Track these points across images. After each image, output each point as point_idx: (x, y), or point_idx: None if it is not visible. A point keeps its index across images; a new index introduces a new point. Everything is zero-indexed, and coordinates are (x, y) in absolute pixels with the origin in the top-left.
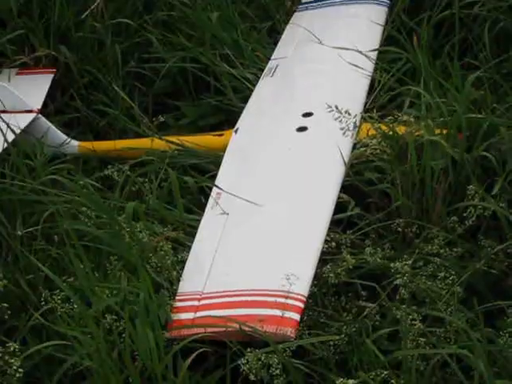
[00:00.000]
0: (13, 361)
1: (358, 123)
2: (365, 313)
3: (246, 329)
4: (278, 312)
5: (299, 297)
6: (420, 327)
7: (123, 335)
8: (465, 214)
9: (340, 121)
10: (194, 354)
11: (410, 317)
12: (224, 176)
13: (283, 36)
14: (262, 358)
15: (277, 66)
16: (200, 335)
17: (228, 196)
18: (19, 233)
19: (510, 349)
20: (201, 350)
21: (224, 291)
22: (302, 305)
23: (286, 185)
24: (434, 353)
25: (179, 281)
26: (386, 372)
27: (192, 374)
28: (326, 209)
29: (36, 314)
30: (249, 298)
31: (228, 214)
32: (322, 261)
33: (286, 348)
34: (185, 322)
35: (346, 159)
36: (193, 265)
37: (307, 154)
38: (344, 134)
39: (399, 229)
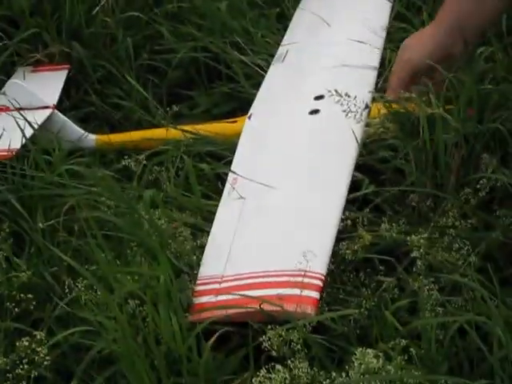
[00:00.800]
0: (40, 349)
1: (368, 103)
2: (383, 287)
3: (267, 308)
4: (297, 291)
5: (317, 275)
6: (438, 297)
7: (147, 319)
8: (478, 186)
9: (341, 104)
10: (216, 335)
11: (427, 287)
12: (239, 161)
13: (292, 21)
14: (283, 335)
15: (287, 51)
16: (222, 317)
17: (244, 181)
18: (40, 225)
19: None
20: (223, 330)
21: (243, 273)
22: (320, 283)
23: (301, 166)
24: (452, 321)
25: (199, 265)
26: (405, 341)
27: (216, 354)
28: (340, 188)
29: (61, 303)
30: (268, 279)
31: (245, 198)
32: (339, 239)
33: (307, 324)
34: (206, 305)
35: (359, 139)
36: (212, 249)
37: (320, 136)
38: (346, 115)
39: (414, 203)
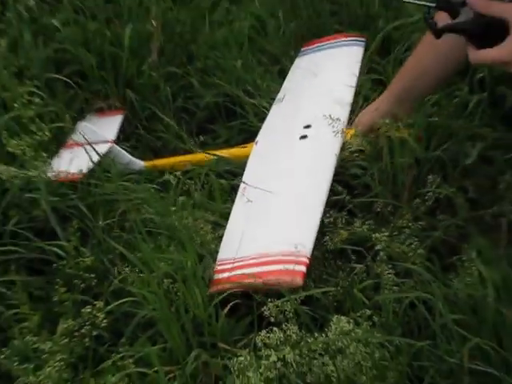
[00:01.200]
0: (99, 315)
1: (343, 133)
2: (355, 271)
3: (268, 279)
4: (290, 266)
5: (305, 255)
6: (394, 279)
7: (178, 294)
8: (426, 198)
9: (333, 126)
10: (229, 306)
11: (387, 272)
12: (248, 175)
13: (288, 74)
14: (280, 306)
15: (284, 95)
16: (234, 288)
17: (251, 189)
18: (100, 223)
19: (460, 292)
20: (234, 302)
21: (250, 255)
22: (307, 260)
23: (294, 178)
24: (404, 297)
25: (217, 252)
26: (370, 311)
27: (229, 320)
28: (322, 194)
29: (115, 280)
30: (269, 259)
31: (252, 201)
32: (324, 234)
33: (297, 298)
34: (223, 280)
35: (336, 157)
36: (227, 239)
37: (308, 155)
38: (335, 135)
39: (379, 209)
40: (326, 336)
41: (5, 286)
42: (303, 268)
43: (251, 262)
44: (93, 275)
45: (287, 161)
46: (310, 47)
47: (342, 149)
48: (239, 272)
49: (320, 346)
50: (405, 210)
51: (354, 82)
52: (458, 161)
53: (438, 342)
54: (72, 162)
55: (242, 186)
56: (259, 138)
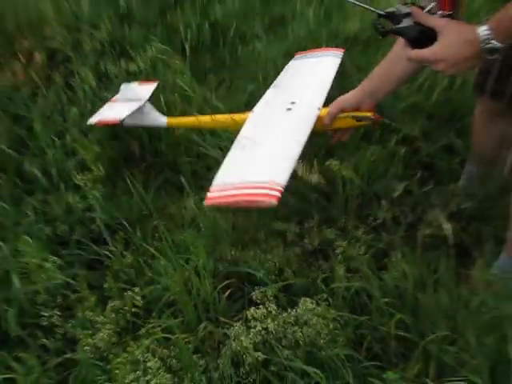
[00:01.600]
0: (136, 297)
1: (320, 109)
2: (322, 268)
3: (250, 200)
4: (267, 191)
5: (280, 184)
6: (345, 274)
7: (192, 282)
8: (372, 218)
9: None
10: (228, 291)
11: (341, 269)
12: (244, 131)
13: (283, 71)
14: (264, 292)
15: (277, 83)
16: (223, 204)
17: (245, 140)
18: (138, 234)
19: (390, 283)
20: (232, 289)
21: (238, 182)
22: (281, 188)
23: (279, 133)
24: (351, 286)
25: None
26: (326, 295)
27: (229, 302)
28: (299, 146)
29: (148, 273)
30: (252, 184)
31: (244, 148)
32: (303, 237)
33: (276, 287)
34: (215, 197)
35: (311, 125)
36: (221, 171)
37: (291, 121)
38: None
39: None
40: (296, 312)
41: (71, 277)
42: (278, 193)
43: (238, 185)
44: (132, 269)
45: (275, 123)
46: (302, 55)
47: (317, 121)
48: (228, 192)
49: (292, 319)
50: (352, 226)
51: (331, 77)
52: (388, 193)
53: (374, 317)
54: (112, 111)
55: (237, 138)
56: (255, 108)
